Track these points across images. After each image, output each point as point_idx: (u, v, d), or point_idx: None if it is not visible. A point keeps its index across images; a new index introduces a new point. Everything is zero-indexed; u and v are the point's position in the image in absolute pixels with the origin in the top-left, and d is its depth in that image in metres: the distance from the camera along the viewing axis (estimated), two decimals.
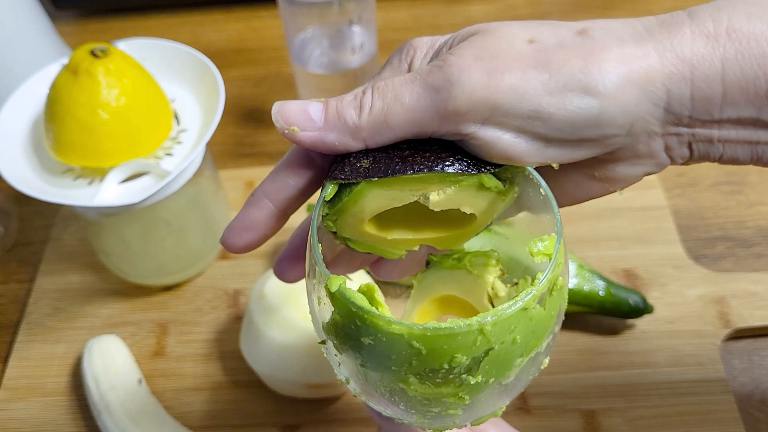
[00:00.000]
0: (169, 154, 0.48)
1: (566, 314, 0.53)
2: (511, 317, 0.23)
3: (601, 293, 0.50)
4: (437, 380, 0.25)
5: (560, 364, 0.50)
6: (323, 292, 0.25)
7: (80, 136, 0.45)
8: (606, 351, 0.50)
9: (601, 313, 0.51)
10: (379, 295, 0.25)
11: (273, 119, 0.26)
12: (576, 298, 0.50)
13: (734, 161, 0.26)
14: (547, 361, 0.27)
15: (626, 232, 0.57)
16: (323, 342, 0.27)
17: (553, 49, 0.24)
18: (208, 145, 0.53)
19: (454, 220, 0.28)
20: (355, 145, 0.26)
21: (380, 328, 0.23)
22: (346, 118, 0.26)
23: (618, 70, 0.24)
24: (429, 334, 0.23)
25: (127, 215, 0.49)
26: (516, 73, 0.24)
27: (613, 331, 0.51)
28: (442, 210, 0.27)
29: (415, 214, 0.29)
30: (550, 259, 0.24)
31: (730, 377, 0.49)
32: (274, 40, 0.80)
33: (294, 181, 0.28)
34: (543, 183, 0.26)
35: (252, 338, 0.48)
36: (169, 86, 0.51)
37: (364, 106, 0.26)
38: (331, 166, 0.27)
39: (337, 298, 0.24)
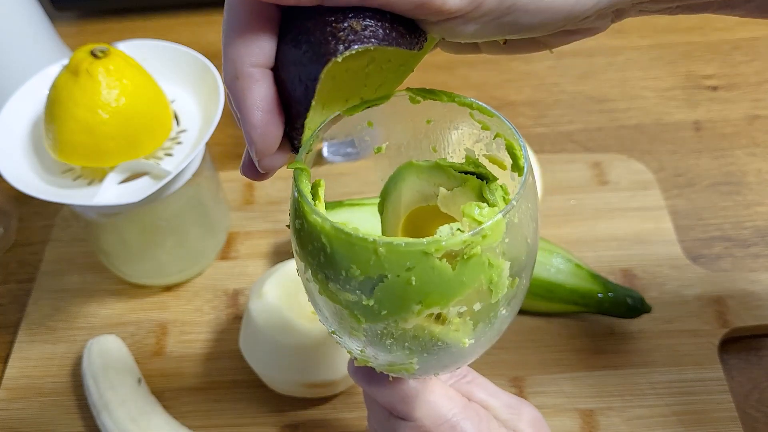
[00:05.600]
0: (169, 155, 0.48)
1: (565, 314, 0.53)
2: (408, 253, 0.23)
3: (599, 293, 0.50)
4: (338, 286, 0.25)
5: (558, 364, 0.50)
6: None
7: (80, 137, 0.45)
8: (604, 350, 0.51)
9: (599, 313, 0.51)
10: (322, 191, 0.26)
11: None
12: (574, 298, 0.50)
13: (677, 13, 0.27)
14: (468, 341, 0.26)
15: (624, 232, 0.57)
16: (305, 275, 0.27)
17: None
18: (208, 145, 0.53)
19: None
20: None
21: (306, 216, 0.25)
22: None
23: None
24: (333, 232, 0.24)
25: (126, 215, 0.50)
26: None
27: (611, 331, 0.52)
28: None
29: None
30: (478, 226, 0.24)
31: (728, 377, 0.49)
32: None
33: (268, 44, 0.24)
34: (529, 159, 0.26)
35: (251, 338, 0.48)
36: (169, 87, 0.51)
37: None
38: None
39: (294, 183, 0.25)
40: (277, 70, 0.24)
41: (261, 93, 0.24)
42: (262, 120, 0.24)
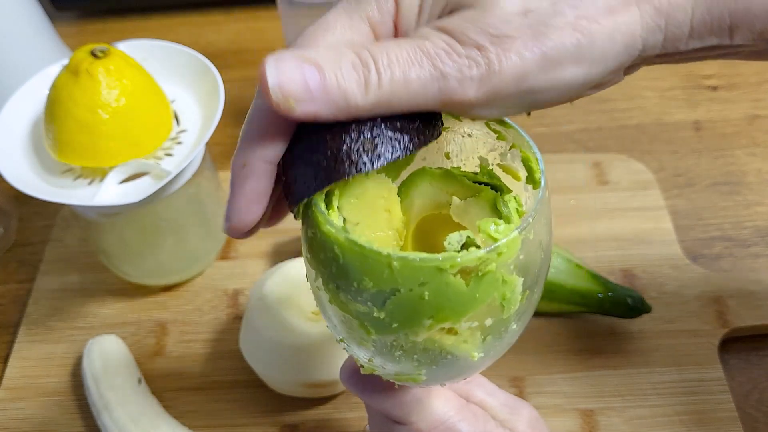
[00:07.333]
0: (169, 155, 0.48)
1: (565, 314, 0.53)
2: (422, 268, 0.23)
3: (599, 293, 0.50)
4: (349, 297, 0.25)
5: (558, 364, 0.50)
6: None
7: (80, 137, 0.45)
8: (604, 351, 0.51)
9: (600, 313, 0.51)
10: (336, 200, 0.26)
11: (270, 90, 0.22)
12: (574, 298, 0.50)
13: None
14: (477, 355, 0.26)
15: (624, 232, 0.57)
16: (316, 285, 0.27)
17: (547, 18, 0.24)
18: (208, 145, 0.53)
19: None
20: (343, 119, 0.24)
21: (320, 226, 0.24)
22: (348, 94, 0.23)
23: (605, 39, 0.24)
24: (347, 244, 0.23)
25: (127, 215, 0.50)
26: (514, 58, 0.23)
27: (611, 331, 0.52)
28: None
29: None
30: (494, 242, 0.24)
31: (728, 377, 0.49)
32: (273, 41, 0.80)
33: (283, 136, 0.25)
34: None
35: (252, 338, 0.48)
36: (169, 87, 0.51)
37: (369, 83, 0.23)
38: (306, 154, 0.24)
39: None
40: (287, 162, 0.25)
41: (258, 187, 0.26)
42: (245, 208, 0.26)
